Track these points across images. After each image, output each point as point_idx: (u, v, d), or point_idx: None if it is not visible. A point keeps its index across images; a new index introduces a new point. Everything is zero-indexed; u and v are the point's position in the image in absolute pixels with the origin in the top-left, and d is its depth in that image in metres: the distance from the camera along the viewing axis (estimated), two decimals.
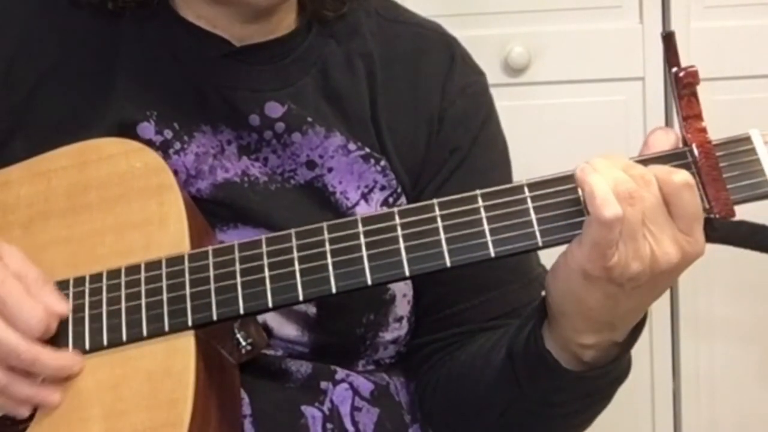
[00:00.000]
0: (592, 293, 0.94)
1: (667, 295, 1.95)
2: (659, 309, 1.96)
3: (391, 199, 1.14)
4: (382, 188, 1.14)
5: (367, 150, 1.14)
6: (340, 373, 1.11)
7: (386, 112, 1.16)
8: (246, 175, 1.11)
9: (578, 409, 1.07)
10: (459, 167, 1.16)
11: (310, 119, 1.13)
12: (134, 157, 1.06)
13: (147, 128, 1.10)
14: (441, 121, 1.17)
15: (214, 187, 1.10)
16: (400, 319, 1.14)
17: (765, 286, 1.90)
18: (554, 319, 1.00)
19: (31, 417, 0.99)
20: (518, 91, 1.91)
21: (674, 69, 0.95)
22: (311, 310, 1.09)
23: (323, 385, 1.10)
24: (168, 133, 1.10)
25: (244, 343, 1.02)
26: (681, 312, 1.95)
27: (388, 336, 1.13)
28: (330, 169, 1.13)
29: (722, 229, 1.24)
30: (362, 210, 1.12)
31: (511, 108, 1.87)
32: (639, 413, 1.98)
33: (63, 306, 1.00)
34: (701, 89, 0.96)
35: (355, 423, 1.10)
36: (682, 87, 0.94)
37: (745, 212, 1.25)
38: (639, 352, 2.12)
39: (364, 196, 1.13)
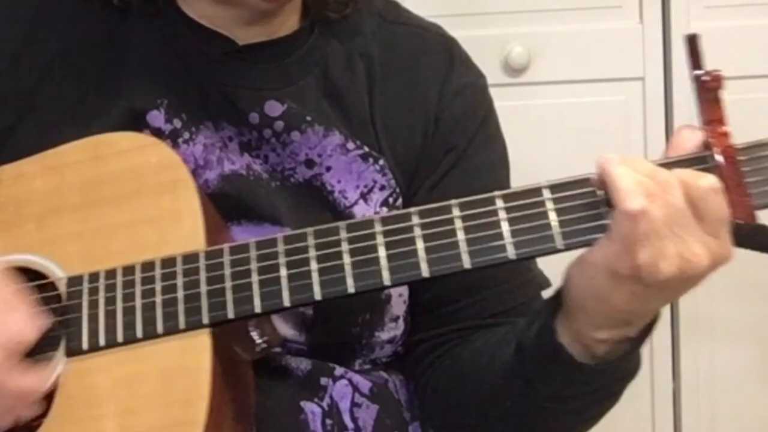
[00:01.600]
0: (618, 293, 0.93)
1: None
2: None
3: (390, 199, 1.14)
4: (382, 188, 1.14)
5: (366, 149, 1.14)
6: (339, 369, 1.11)
7: (383, 111, 1.16)
8: (251, 170, 1.12)
9: (586, 405, 1.07)
10: (454, 167, 1.16)
11: (309, 118, 1.13)
12: (149, 152, 1.05)
13: (157, 117, 1.11)
14: (437, 121, 1.17)
15: (222, 178, 1.10)
16: (396, 319, 1.14)
17: (765, 286, 1.90)
18: (571, 314, 0.99)
19: (44, 414, 0.98)
20: (518, 91, 1.91)
21: (697, 72, 0.94)
22: (308, 310, 1.09)
23: (323, 381, 1.10)
24: (177, 123, 1.11)
25: (259, 341, 1.01)
26: (681, 312, 1.95)
27: (384, 335, 1.13)
28: (328, 168, 1.13)
29: None
30: (361, 210, 1.12)
31: (511, 108, 1.87)
32: (639, 413, 1.98)
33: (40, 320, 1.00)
34: None
35: (354, 419, 1.10)
36: (706, 91, 0.93)
37: None
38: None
39: (363, 196, 1.13)
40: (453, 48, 1.22)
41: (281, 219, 1.08)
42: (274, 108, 1.13)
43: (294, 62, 1.15)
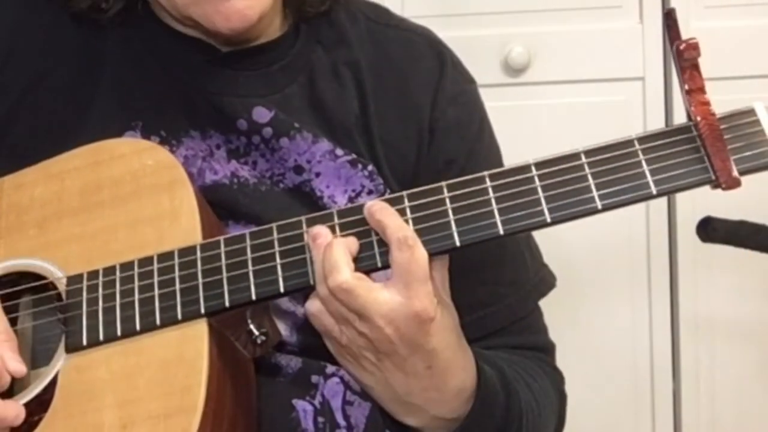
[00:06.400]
0: (362, 376, 1.03)
1: (667, 294, 1.95)
2: (659, 309, 1.96)
3: None
4: (369, 192, 1.14)
5: (354, 155, 1.14)
6: (331, 367, 1.10)
7: (377, 119, 1.16)
8: (235, 177, 1.12)
9: None
10: None
11: (297, 125, 1.13)
12: (146, 155, 1.07)
13: (133, 137, 1.11)
14: (432, 131, 1.17)
15: (203, 189, 1.10)
16: None
17: (765, 286, 1.90)
18: None
19: (46, 408, 0.99)
20: (518, 91, 1.91)
21: (675, 43, 0.95)
22: (299, 309, 1.09)
23: (314, 379, 1.10)
24: (155, 140, 1.11)
25: (257, 333, 1.02)
26: (681, 312, 1.95)
27: None
28: (318, 174, 1.13)
29: (723, 229, 1.24)
30: None
31: (511, 108, 1.88)
32: (639, 413, 1.98)
33: (17, 366, 0.99)
34: None
35: (346, 417, 1.10)
36: (684, 60, 0.95)
37: (745, 212, 1.25)
38: (639, 351, 2.11)
39: (351, 200, 1.13)
40: (444, 54, 1.22)
41: (270, 222, 1.08)
42: (261, 114, 1.13)
43: (279, 70, 1.15)
